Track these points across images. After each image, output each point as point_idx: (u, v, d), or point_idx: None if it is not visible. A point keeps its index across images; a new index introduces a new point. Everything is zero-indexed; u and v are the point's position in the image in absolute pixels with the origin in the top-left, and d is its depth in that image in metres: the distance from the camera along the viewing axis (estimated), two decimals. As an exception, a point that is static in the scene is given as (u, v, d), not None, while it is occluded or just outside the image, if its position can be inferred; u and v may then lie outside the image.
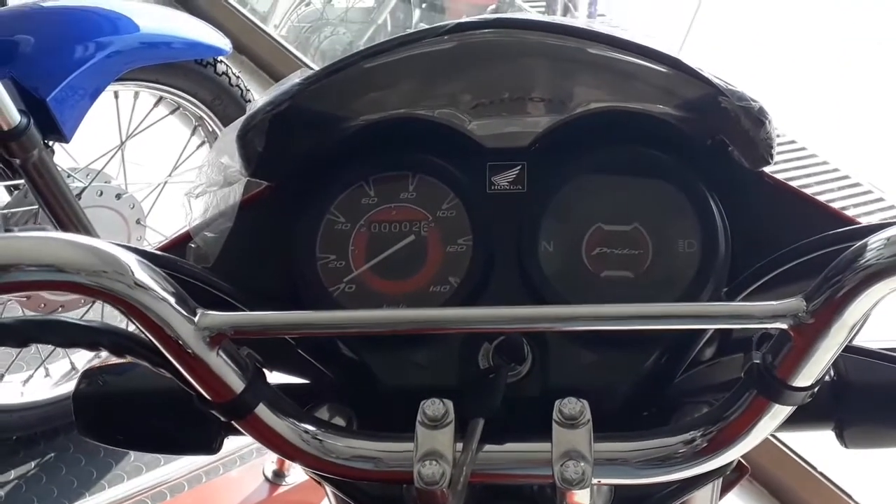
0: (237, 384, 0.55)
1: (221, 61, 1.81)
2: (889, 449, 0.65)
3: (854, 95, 3.67)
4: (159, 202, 1.98)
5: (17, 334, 0.54)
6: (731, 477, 0.74)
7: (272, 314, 0.55)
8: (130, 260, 0.50)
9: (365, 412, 0.69)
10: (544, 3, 3.93)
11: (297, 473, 1.91)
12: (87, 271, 0.48)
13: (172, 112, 1.95)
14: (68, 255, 0.49)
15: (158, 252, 0.65)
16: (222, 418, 0.57)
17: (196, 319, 0.52)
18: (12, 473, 1.83)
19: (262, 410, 0.57)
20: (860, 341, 0.61)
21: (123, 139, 1.89)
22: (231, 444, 1.92)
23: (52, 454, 1.87)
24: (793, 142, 3.05)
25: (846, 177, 2.99)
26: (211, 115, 1.90)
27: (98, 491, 1.80)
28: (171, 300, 0.51)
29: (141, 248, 0.57)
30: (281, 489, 1.86)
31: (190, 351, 0.52)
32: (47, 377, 1.89)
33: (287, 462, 1.88)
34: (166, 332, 0.51)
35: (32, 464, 1.86)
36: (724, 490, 0.74)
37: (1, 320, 0.55)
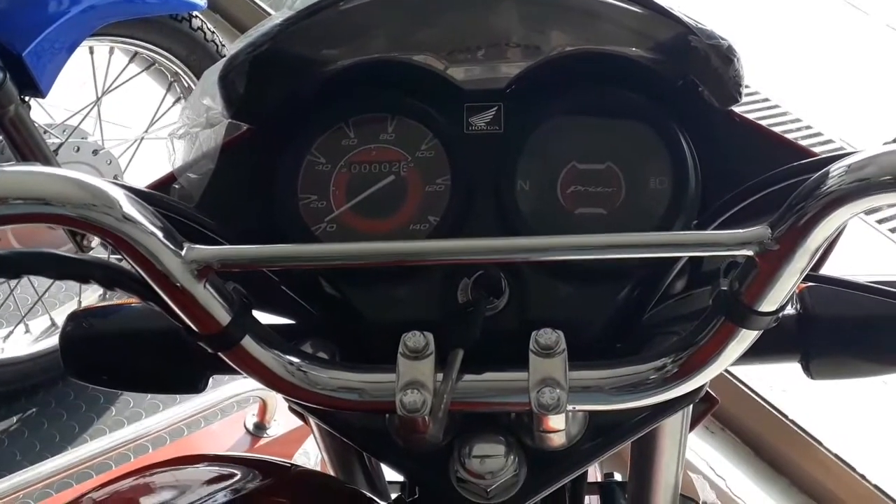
0: (223, 316, 0.56)
1: (196, 16, 1.81)
2: (854, 379, 0.68)
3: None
4: (136, 158, 1.98)
5: (13, 265, 0.55)
6: (701, 408, 0.77)
7: (257, 247, 0.55)
8: (119, 194, 0.51)
9: (348, 347, 0.70)
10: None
11: (277, 426, 1.94)
12: (75, 204, 0.49)
13: (147, 68, 1.95)
14: (57, 189, 0.49)
15: (145, 189, 0.66)
16: (209, 349, 0.58)
17: (183, 253, 0.53)
18: (14, 419, 1.88)
19: (248, 342, 0.58)
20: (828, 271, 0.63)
21: (99, 95, 1.88)
22: (213, 395, 1.92)
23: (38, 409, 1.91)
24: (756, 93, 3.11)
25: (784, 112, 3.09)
26: (186, 70, 1.90)
27: (81, 444, 1.82)
28: (159, 234, 0.52)
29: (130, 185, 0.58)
30: (262, 441, 1.89)
31: (178, 284, 0.53)
32: (27, 333, 1.90)
33: (268, 414, 1.91)
34: (155, 265, 0.52)
35: (34, 410, 1.91)
36: (695, 422, 0.77)
37: None
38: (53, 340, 1.89)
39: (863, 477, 1.81)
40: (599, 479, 1.00)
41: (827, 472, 1.86)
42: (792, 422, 1.92)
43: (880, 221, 2.74)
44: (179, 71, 1.90)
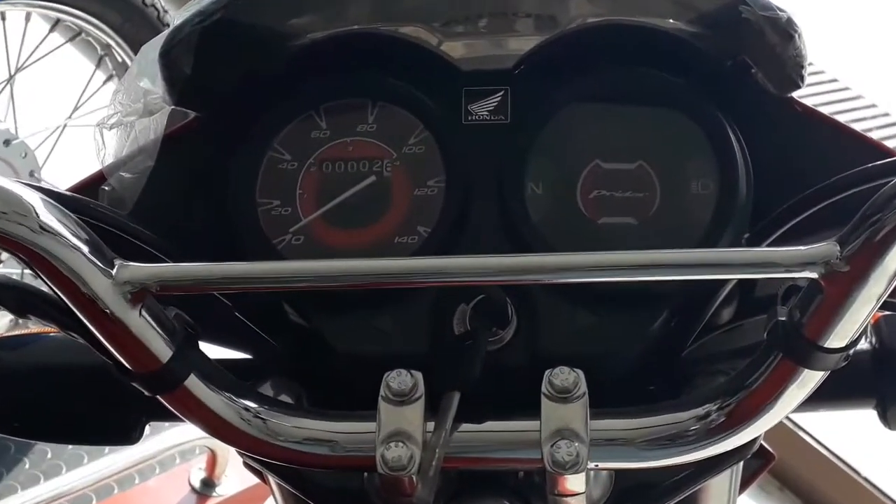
0: (163, 351, 0.58)
1: None
2: None
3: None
4: (57, 151, 2.02)
5: None
6: (754, 466, 0.79)
7: (204, 265, 0.57)
8: (35, 200, 0.52)
9: (318, 389, 0.73)
10: None
11: (229, 483, 1.96)
12: None
13: (73, 38, 1.99)
14: None
15: (68, 193, 0.68)
16: (146, 392, 0.60)
17: (114, 272, 0.54)
18: None
19: (194, 383, 0.60)
20: None
21: (12, 72, 1.93)
22: (150, 445, 1.93)
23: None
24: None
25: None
26: (120, 42, 1.95)
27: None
28: (84, 248, 0.54)
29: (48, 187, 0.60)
30: (210, 501, 1.91)
31: (107, 310, 0.55)
32: None
33: (218, 468, 1.93)
34: (78, 287, 0.54)
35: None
36: (746, 482, 0.79)
37: None
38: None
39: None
40: None
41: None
42: (865, 479, 1.96)
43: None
44: (112, 43, 1.96)
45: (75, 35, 1.97)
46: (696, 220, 0.69)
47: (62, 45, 2.00)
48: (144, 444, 1.81)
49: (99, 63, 2.03)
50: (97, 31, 1.93)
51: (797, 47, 0.65)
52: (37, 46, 1.96)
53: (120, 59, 2.01)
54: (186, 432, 1.85)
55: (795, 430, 1.99)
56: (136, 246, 0.67)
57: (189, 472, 1.94)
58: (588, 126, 0.72)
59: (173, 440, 1.86)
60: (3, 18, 1.86)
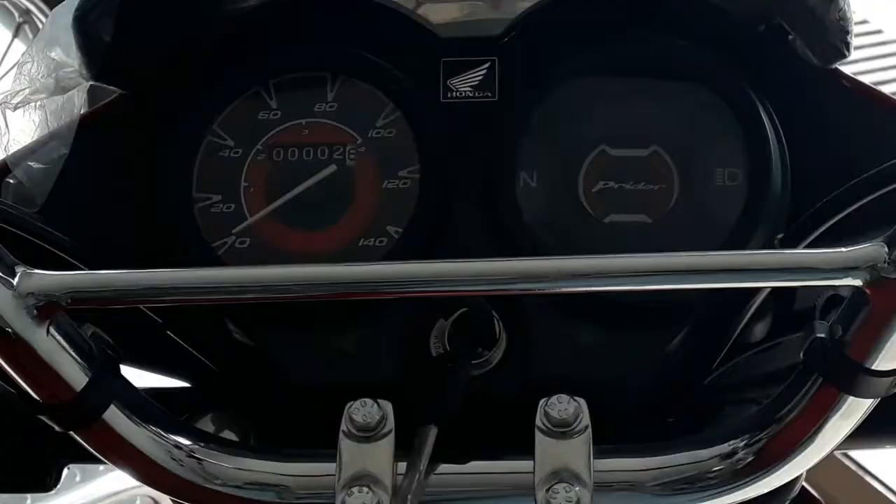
0: (77, 378, 0.61)
1: None
2: None
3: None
4: None
5: None
6: None
7: (125, 273, 0.59)
8: None
9: (267, 423, 0.76)
10: None
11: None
12: None
13: None
14: None
15: None
16: (56, 427, 0.62)
17: (15, 282, 0.57)
18: None
19: (114, 415, 0.63)
20: None
21: None
22: (79, 494, 1.97)
23: None
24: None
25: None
26: (42, 6, 2.05)
27: None
28: None
29: None
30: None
31: (8, 328, 0.57)
32: None
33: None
34: None
35: None
36: None
37: None
38: None
39: None
40: None
41: None
42: None
43: None
44: (32, 7, 2.05)
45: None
46: (721, 217, 0.72)
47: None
48: (71, 494, 1.87)
49: (17, 32, 2.11)
50: (8, -5, 2.03)
51: (840, 8, 0.68)
52: (-56, 11, 2.09)
53: (40, 27, 2.06)
54: (122, 479, 1.88)
55: (849, 464, 2.13)
56: (44, 251, 0.69)
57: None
58: (592, 105, 0.75)
59: (107, 488, 1.92)
60: None
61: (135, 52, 0.76)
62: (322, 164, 0.76)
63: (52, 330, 0.59)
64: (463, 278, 0.60)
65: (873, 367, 0.58)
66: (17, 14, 2.08)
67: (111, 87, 0.77)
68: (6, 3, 2.06)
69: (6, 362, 0.59)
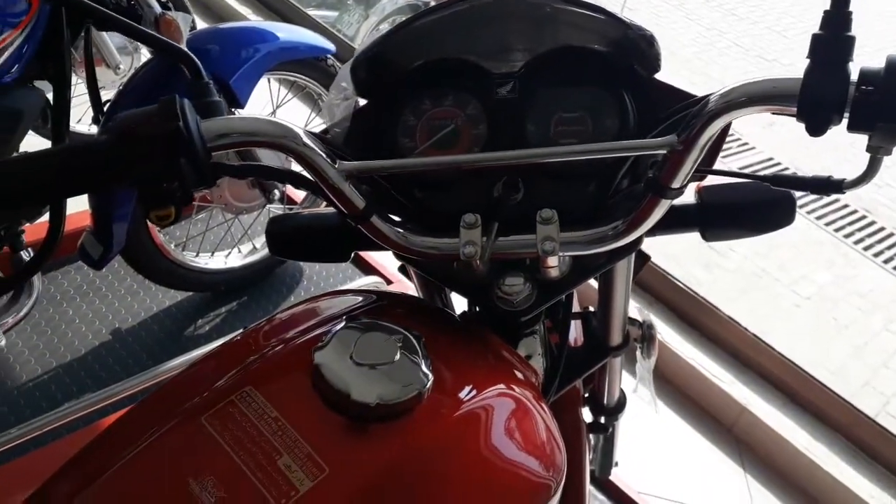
0: (360, 203, 1.00)
1: (330, 58, 3.19)
2: (735, 240, 1.20)
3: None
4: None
5: (249, 171, 1.01)
6: (640, 261, 1.31)
7: (378, 162, 0.99)
8: (300, 132, 0.94)
9: (426, 224, 1.14)
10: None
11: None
12: (275, 136, 0.92)
13: (301, 91, 3.39)
14: (269, 129, 0.93)
15: (316, 132, 1.07)
16: (352, 223, 1.03)
17: (336, 165, 0.95)
18: (224, 298, 3.55)
19: (375, 220, 1.04)
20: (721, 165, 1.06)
21: (273, 109, 3.35)
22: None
23: (246, 296, 3.58)
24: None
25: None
26: (325, 93, 2.99)
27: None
28: (323, 154, 0.94)
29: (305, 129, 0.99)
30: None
31: (334, 183, 0.96)
32: (239, 253, 3.59)
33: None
34: (321, 172, 0.95)
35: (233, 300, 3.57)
36: (636, 271, 1.31)
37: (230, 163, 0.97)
38: (253, 258, 3.56)
39: (746, 329, 3.89)
40: (580, 310, 1.57)
41: (721, 325, 3.95)
42: (703, 298, 4.01)
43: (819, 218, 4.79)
44: (322, 93, 3.14)
45: (303, 90, 3.28)
46: (610, 135, 1.12)
47: (296, 95, 3.33)
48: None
49: (315, 105, 3.20)
50: (314, 87, 3.23)
51: (656, 50, 1.06)
52: (284, 96, 3.34)
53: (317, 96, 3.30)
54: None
55: (669, 277, 4.05)
56: (344, 157, 1.02)
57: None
58: (556, 96, 1.14)
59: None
60: (269, 82, 3.15)
61: (373, 83, 1.14)
62: (447, 124, 1.14)
63: (350, 185, 0.96)
64: (503, 158, 0.97)
65: (671, 186, 0.93)
66: (315, 96, 3.40)
67: (364, 98, 1.15)
68: (310, 92, 3.29)
69: (333, 196, 0.97)
